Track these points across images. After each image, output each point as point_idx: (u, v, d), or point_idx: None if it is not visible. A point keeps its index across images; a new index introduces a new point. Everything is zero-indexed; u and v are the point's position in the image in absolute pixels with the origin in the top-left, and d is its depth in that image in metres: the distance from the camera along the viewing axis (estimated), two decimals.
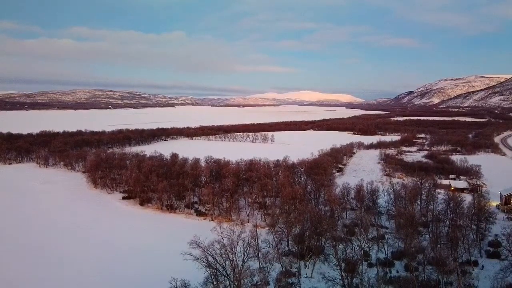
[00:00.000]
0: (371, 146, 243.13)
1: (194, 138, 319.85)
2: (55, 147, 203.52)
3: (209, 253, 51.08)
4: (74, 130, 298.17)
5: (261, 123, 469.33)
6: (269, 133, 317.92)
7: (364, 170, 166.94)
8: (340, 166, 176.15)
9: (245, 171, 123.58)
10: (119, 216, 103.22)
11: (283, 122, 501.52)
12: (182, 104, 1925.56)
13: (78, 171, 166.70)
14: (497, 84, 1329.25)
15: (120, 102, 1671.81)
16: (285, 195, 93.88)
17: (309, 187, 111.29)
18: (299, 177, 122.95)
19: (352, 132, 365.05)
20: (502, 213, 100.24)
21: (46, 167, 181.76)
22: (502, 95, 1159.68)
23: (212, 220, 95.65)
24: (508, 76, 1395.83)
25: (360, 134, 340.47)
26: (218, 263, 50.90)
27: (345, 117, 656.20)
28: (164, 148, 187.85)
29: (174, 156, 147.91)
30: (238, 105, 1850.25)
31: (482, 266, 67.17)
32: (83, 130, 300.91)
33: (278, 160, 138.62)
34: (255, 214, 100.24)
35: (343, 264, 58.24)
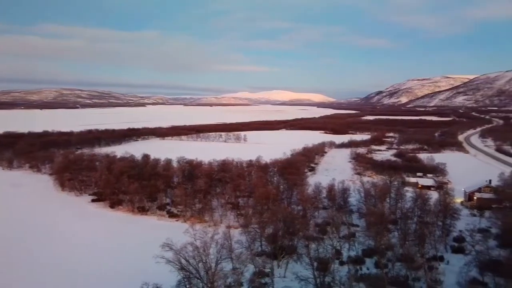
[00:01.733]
0: (342, 145, 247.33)
1: (166, 138, 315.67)
2: (20, 148, 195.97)
3: (182, 255, 50.69)
4: (41, 130, 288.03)
5: (234, 122, 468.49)
6: (242, 133, 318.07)
7: (336, 169, 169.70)
8: (312, 165, 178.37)
9: (218, 172, 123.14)
10: (88, 219, 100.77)
11: (256, 121, 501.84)
12: (153, 104, 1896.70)
13: (44, 173, 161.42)
14: (461, 85, 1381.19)
15: (89, 101, 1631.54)
16: (258, 195, 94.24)
17: (282, 186, 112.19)
18: (272, 177, 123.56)
19: (324, 132, 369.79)
20: (466, 209, 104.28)
21: (10, 169, 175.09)
22: (466, 95, 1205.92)
23: (185, 221, 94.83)
24: (471, 77, 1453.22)
25: (332, 134, 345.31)
26: (191, 265, 50.59)
27: (317, 117, 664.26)
28: (136, 149, 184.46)
29: (146, 156, 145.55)
30: (211, 105, 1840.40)
31: (448, 261, 69.69)
32: (50, 130, 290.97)
33: (251, 160, 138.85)
34: (228, 214, 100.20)
35: (315, 263, 59.11)
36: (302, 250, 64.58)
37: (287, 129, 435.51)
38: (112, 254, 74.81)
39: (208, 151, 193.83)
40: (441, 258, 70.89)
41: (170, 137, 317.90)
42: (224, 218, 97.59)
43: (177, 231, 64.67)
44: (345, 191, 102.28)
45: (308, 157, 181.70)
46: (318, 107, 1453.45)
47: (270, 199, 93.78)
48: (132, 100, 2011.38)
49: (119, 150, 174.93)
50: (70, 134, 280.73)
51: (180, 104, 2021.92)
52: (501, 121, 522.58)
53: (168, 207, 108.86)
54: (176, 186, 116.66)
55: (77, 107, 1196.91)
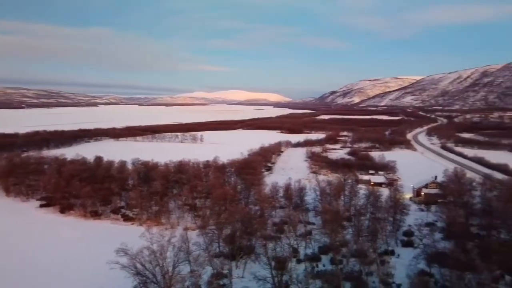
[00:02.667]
0: (298, 145, 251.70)
1: (120, 139, 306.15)
2: None
3: (138, 260, 49.53)
4: None
5: (190, 122, 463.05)
6: (199, 133, 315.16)
7: (292, 168, 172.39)
8: (269, 165, 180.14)
9: (174, 173, 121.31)
10: (36, 225, 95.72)
11: (212, 121, 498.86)
12: (106, 103, 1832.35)
13: None
14: (409, 85, 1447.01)
15: (35, 101, 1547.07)
16: (216, 196, 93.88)
17: (239, 187, 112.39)
18: (229, 177, 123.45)
19: (280, 131, 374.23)
20: (414, 204, 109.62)
21: None
22: (413, 95, 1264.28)
23: (141, 225, 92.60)
24: (418, 78, 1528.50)
25: (288, 133, 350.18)
26: (148, 270, 49.55)
27: (273, 116, 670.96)
28: (87, 151, 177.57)
29: (99, 159, 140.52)
30: (166, 105, 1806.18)
31: (398, 255, 72.92)
32: None
33: (208, 161, 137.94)
34: (185, 216, 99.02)
35: (273, 262, 59.77)
36: (260, 250, 65.09)
37: (244, 129, 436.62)
38: (62, 261, 71.57)
39: (164, 152, 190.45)
40: (392, 252, 74.08)
41: (124, 138, 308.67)
42: (181, 220, 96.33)
43: (133, 235, 63.02)
44: (301, 190, 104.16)
45: (265, 157, 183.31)
46: (274, 107, 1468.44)
47: (228, 199, 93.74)
48: (83, 99, 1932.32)
49: (70, 152, 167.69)
50: (15, 135, 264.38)
51: (135, 104, 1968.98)
52: (445, 120, 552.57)
53: (122, 211, 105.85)
54: (131, 188, 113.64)
55: (23, 107, 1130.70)
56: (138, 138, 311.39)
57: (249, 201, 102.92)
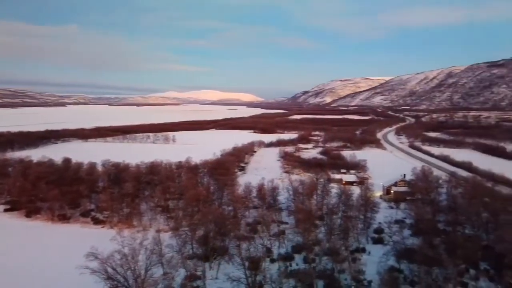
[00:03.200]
0: (271, 145, 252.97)
1: (89, 140, 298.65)
2: None
3: (109, 264, 48.53)
4: None
5: (162, 123, 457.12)
6: (171, 133, 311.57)
7: (265, 168, 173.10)
8: (242, 165, 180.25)
9: (146, 174, 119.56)
10: (0, 231, 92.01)
11: (185, 121, 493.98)
12: (74, 103, 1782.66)
13: None
14: (378, 86, 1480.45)
15: None
16: (189, 197, 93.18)
17: (212, 187, 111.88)
18: (202, 178, 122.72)
19: (253, 131, 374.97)
20: (384, 202, 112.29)
21: None
22: (383, 95, 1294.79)
23: (112, 227, 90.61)
24: (387, 78, 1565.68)
25: (261, 133, 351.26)
26: (119, 274, 48.64)
27: (246, 116, 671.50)
28: (55, 152, 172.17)
29: (67, 160, 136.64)
30: (138, 105, 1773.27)
31: (369, 252, 74.54)
32: None
33: (180, 162, 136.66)
34: (158, 218, 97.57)
35: (247, 263, 59.87)
36: (233, 251, 65.02)
37: (217, 129, 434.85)
38: (29, 267, 69.06)
39: (135, 153, 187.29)
40: (363, 250, 75.64)
41: (93, 139, 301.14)
42: (153, 222, 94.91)
43: (103, 239, 61.77)
44: (274, 189, 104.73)
45: (238, 157, 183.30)
46: (247, 107, 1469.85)
47: (201, 200, 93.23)
48: (50, 99, 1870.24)
49: (36, 154, 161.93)
50: None
51: (105, 104, 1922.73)
52: (413, 120, 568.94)
53: (92, 214, 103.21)
54: (102, 190, 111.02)
55: None
56: (108, 139, 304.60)
57: (223, 201, 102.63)
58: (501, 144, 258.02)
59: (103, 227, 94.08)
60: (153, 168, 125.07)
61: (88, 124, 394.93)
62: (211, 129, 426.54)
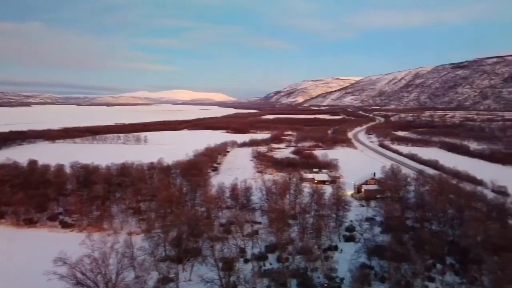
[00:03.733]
0: (244, 144, 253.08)
1: (57, 141, 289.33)
2: None
3: (78, 269, 47.28)
4: None
5: (134, 123, 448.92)
6: (142, 134, 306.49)
7: (239, 168, 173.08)
8: (215, 165, 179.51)
9: (117, 176, 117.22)
10: None
11: (156, 121, 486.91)
12: (40, 103, 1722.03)
13: None
14: (349, 86, 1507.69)
15: None
16: (161, 199, 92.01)
17: (185, 188, 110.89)
18: (174, 179, 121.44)
19: (226, 131, 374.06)
20: (356, 200, 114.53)
21: None
22: (353, 95, 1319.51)
23: (81, 231, 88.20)
24: (357, 79, 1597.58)
25: (234, 133, 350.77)
26: (89, 279, 47.47)
27: (219, 116, 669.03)
28: (20, 154, 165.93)
29: (33, 162, 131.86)
30: (107, 105, 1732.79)
31: (341, 250, 75.90)
32: None
33: (152, 162, 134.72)
34: (129, 220, 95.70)
35: (220, 264, 59.81)
36: (207, 252, 64.81)
37: (189, 129, 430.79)
38: None
39: (105, 155, 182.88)
40: (336, 248, 76.95)
41: (61, 140, 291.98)
42: (125, 225, 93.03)
43: (72, 243, 60.12)
44: (247, 189, 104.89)
45: (211, 157, 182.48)
46: (219, 107, 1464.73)
47: (173, 201, 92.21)
48: (14, 99, 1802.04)
49: None
50: None
51: (73, 103, 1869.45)
52: (382, 119, 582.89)
53: (60, 217, 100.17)
54: (70, 193, 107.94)
55: None
56: (77, 140, 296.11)
57: (195, 202, 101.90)
58: (465, 142, 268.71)
59: (72, 231, 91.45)
60: (124, 170, 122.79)
61: (55, 125, 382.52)
62: (183, 129, 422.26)
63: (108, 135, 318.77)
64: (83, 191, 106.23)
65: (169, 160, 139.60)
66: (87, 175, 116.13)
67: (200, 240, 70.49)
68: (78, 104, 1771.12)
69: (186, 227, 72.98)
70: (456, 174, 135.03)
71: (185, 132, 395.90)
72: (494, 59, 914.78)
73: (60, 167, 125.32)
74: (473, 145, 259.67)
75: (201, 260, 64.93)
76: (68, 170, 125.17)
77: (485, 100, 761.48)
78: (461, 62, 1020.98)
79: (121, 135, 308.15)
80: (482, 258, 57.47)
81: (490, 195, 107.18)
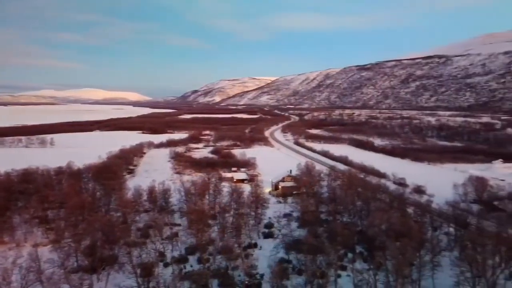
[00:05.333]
0: (161, 145, 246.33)
1: None
2: None
3: None
4: None
5: (38, 124, 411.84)
6: (48, 136, 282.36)
7: (156, 169, 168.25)
8: (131, 167, 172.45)
9: (19, 183, 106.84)
10: None
11: (65, 122, 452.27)
12: None
13: None
14: (265, 85, 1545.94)
15: None
16: (71, 205, 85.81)
17: (98, 193, 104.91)
18: (86, 183, 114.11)
19: (142, 131, 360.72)
20: (273, 197, 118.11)
21: None
22: (269, 94, 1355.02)
23: None
24: (273, 78, 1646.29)
25: (150, 133, 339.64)
26: None
27: (134, 116, 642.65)
28: None
29: None
30: (5, 104, 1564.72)
31: (260, 247, 77.75)
32: None
33: (60, 167, 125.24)
34: (34, 231, 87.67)
35: (138, 270, 57.79)
36: (124, 259, 62.26)
37: (101, 130, 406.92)
38: None
39: (3, 160, 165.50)
40: (255, 245, 78.63)
41: None
42: (29, 236, 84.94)
43: None
44: (166, 191, 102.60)
45: (126, 159, 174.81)
46: (134, 106, 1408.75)
47: (86, 208, 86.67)
48: None
49: None
50: None
51: None
52: (297, 118, 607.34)
53: None
54: None
55: None
56: None
57: (110, 207, 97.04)
58: (370, 139, 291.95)
59: None
60: (27, 176, 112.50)
61: None
62: (95, 130, 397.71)
63: (7, 138, 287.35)
64: None
65: (80, 163, 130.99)
66: None
67: (116, 246, 67.43)
68: None
69: (101, 234, 69.26)
70: (363, 169, 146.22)
71: (97, 133, 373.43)
72: (393, 62, 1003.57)
73: None
74: (377, 141, 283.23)
75: (118, 268, 62.24)
76: None
77: (386, 99, 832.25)
78: (366, 65, 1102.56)
79: (23, 137, 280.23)
80: (386, 245, 63.09)
81: (392, 186, 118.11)
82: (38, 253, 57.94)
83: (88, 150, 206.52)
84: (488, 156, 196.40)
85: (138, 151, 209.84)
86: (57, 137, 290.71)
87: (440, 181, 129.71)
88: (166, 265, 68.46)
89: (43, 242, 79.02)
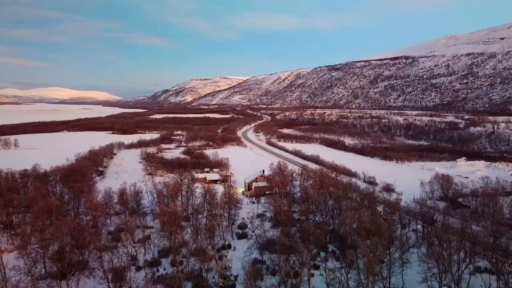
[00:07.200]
0: (132, 146, 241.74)
1: None
2: None
3: None
4: None
5: (0, 124, 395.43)
6: (11, 137, 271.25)
7: (127, 171, 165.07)
8: (101, 169, 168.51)
9: None
10: None
11: (29, 123, 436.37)
12: None
13: None
14: (237, 85, 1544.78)
15: None
16: (38, 210, 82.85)
17: (66, 196, 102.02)
18: (53, 186, 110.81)
19: (111, 132, 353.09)
20: (247, 198, 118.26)
21: None
22: (241, 94, 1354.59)
23: None
24: (245, 78, 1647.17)
25: (120, 134, 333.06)
26: None
27: (103, 116, 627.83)
28: None
29: None
30: None
31: (234, 248, 77.80)
32: None
33: (25, 170, 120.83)
34: None
35: (110, 275, 56.59)
36: (94, 263, 60.77)
37: (69, 130, 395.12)
38: None
39: None
40: (229, 246, 78.60)
41: None
42: None
43: None
44: (137, 193, 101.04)
45: (96, 161, 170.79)
46: (103, 106, 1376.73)
47: (53, 212, 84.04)
48: None
49: None
50: None
51: None
52: (269, 117, 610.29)
53: None
54: None
55: None
56: None
57: (80, 211, 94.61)
58: (341, 138, 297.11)
59: None
60: None
61: None
62: (62, 131, 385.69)
63: None
64: None
65: (46, 166, 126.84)
66: None
67: (86, 251, 65.82)
68: None
69: (69, 238, 67.24)
70: (335, 168, 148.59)
71: (64, 134, 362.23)
72: (362, 63, 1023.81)
73: None
74: (348, 140, 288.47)
75: (88, 273, 60.72)
76: None
77: (356, 99, 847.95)
78: (336, 65, 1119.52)
79: None
80: (357, 243, 64.43)
81: (362, 185, 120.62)
82: (2, 260, 55.69)
83: (55, 152, 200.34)
84: (452, 154, 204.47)
85: (108, 152, 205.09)
86: (21, 138, 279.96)
87: (408, 179, 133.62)
88: (138, 269, 67.41)
89: (8, 248, 76.00)
